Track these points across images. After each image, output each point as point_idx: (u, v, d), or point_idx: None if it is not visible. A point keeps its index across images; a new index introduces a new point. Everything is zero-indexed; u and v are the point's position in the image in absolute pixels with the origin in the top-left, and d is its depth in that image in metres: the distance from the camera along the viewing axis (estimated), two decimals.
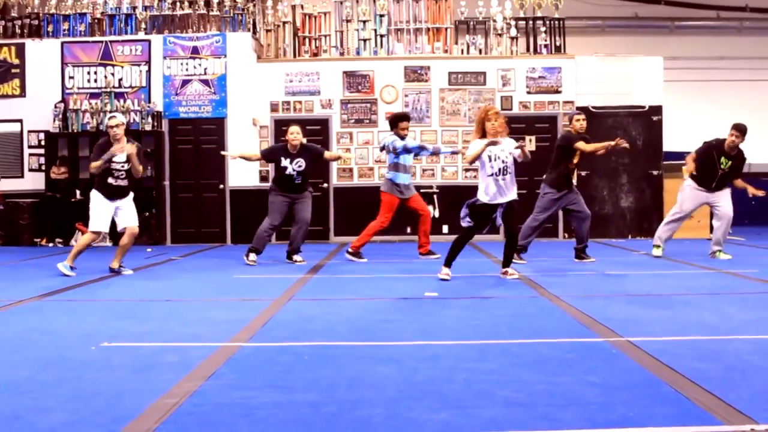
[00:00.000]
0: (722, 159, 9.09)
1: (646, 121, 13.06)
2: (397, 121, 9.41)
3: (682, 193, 9.41)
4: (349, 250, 9.50)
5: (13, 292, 6.78)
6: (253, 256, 9.18)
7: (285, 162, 8.94)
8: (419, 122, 12.94)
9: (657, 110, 13.08)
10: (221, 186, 12.85)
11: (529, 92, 13.01)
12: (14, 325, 5.30)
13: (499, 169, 7.13)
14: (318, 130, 13.02)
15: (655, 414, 3.04)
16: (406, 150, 9.26)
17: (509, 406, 3.18)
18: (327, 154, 9.48)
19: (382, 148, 9.54)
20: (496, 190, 7.14)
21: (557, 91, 13.00)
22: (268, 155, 9.25)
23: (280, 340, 4.62)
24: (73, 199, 12.44)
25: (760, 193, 9.20)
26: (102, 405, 3.26)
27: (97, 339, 4.63)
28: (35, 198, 12.68)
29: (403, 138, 9.31)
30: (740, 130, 9.01)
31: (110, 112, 8.19)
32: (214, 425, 2.97)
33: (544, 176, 9.16)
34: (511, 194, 7.23)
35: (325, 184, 13.04)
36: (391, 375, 3.72)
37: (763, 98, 17.25)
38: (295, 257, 9.25)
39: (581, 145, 8.77)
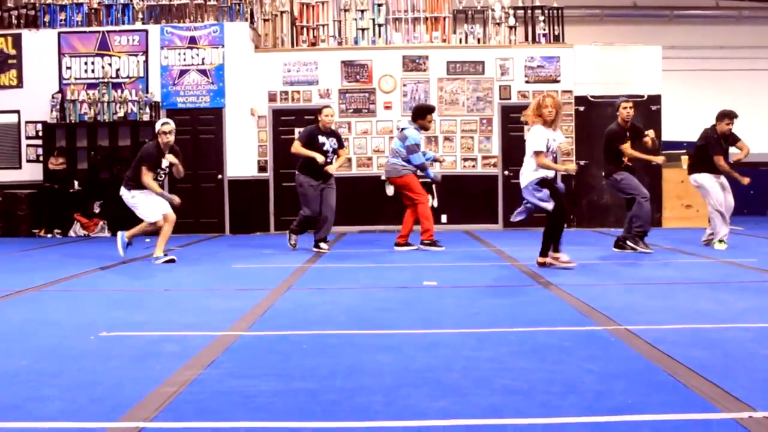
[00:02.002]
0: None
1: (645, 111, 13.02)
2: (425, 113, 9.44)
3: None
4: (424, 241, 9.39)
5: (12, 283, 6.77)
6: (293, 239, 9.41)
7: (323, 138, 9.13)
8: None
9: (656, 99, 13.06)
10: (219, 176, 12.83)
11: (527, 81, 12.98)
12: (13, 316, 5.30)
13: (553, 159, 7.46)
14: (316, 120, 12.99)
15: (653, 401, 3.05)
16: (414, 156, 9.28)
17: (508, 394, 3.19)
18: (342, 159, 9.37)
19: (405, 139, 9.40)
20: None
21: (556, 81, 12.97)
22: (306, 139, 9.17)
23: (279, 329, 4.62)
24: (71, 190, 12.42)
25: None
26: (101, 394, 3.26)
27: (96, 328, 4.64)
28: (33, 189, 12.65)
29: (427, 130, 9.62)
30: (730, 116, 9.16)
31: (168, 121, 8.55)
32: (213, 413, 2.98)
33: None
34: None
35: None
36: (389, 363, 3.72)
37: (762, 87, 17.23)
38: (322, 245, 9.28)
39: (625, 149, 8.68)
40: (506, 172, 12.90)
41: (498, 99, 12.97)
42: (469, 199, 12.89)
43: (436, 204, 12.69)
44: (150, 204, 8.38)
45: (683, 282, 6.50)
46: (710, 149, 9.13)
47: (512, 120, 12.86)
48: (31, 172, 12.88)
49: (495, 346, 4.07)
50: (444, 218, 12.78)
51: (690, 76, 16.65)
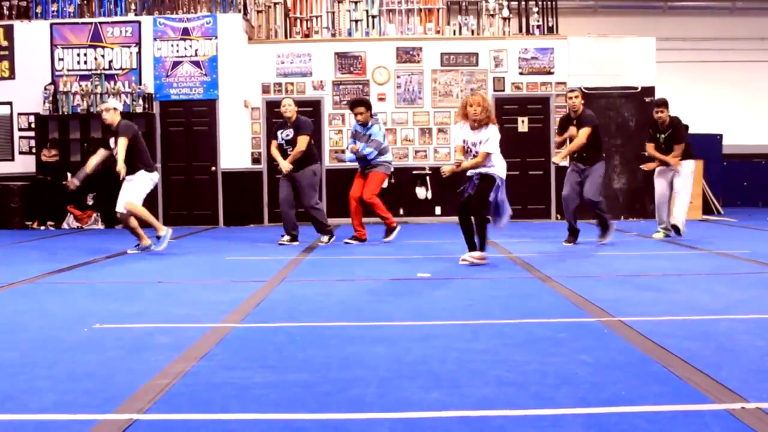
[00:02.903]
0: (659, 135, 9.27)
1: (639, 102, 13.04)
2: (351, 107, 9.47)
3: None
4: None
5: (5, 275, 6.75)
6: (285, 237, 9.22)
7: (278, 133, 9.13)
8: (411, 104, 12.91)
9: (649, 91, 13.05)
10: (213, 168, 12.80)
11: (521, 73, 12.96)
12: (6, 307, 5.29)
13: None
14: (310, 111, 12.96)
15: (646, 393, 3.06)
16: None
17: (501, 386, 3.19)
18: (297, 147, 9.01)
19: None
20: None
21: (550, 72, 12.97)
22: (274, 136, 9.25)
23: (273, 321, 4.62)
24: (64, 182, 12.35)
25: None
26: (94, 386, 3.26)
27: (90, 321, 4.63)
28: (26, 181, 12.61)
29: (363, 125, 9.26)
30: (663, 104, 9.19)
31: (107, 100, 8.62)
32: (207, 405, 2.97)
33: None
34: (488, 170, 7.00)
35: None
36: (383, 355, 3.73)
37: (755, 78, 17.25)
38: (321, 238, 9.25)
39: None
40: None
41: (492, 91, 12.95)
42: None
43: (430, 196, 12.70)
44: None
45: (676, 273, 6.51)
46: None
47: (506, 112, 12.87)
48: (23, 164, 12.83)
49: (489, 338, 4.07)
50: (438, 210, 12.78)
51: (684, 67, 16.66)
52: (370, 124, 9.24)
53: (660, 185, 9.41)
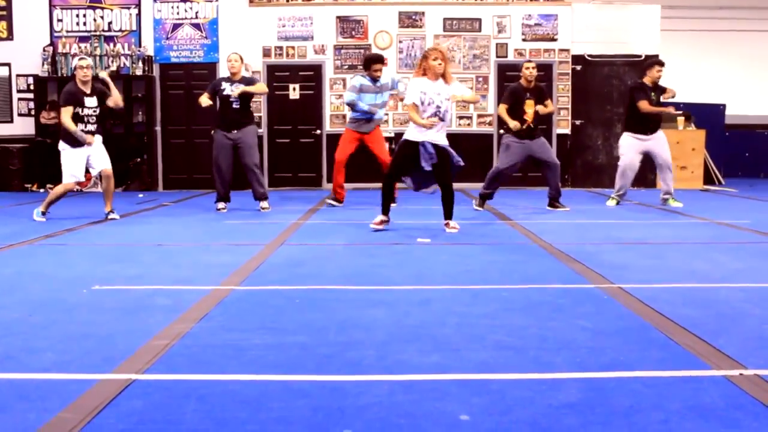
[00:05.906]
0: (651, 94, 9.30)
1: (642, 71, 12.93)
2: (369, 63, 9.37)
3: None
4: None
5: (4, 236, 6.75)
6: (220, 204, 9.10)
7: (225, 84, 8.82)
8: (413, 69, 12.79)
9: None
10: (213, 132, 12.71)
11: (524, 40, 12.86)
12: (5, 269, 5.28)
13: (433, 114, 6.83)
14: (311, 75, 12.89)
15: (645, 358, 3.06)
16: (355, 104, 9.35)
17: (500, 350, 3.19)
18: (255, 87, 8.93)
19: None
20: (423, 131, 6.85)
21: (553, 39, 12.86)
22: (211, 91, 8.95)
23: (272, 284, 4.62)
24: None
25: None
26: (93, 346, 3.26)
27: (89, 282, 4.63)
28: (25, 143, 12.56)
29: (375, 80, 9.36)
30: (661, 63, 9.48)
31: (85, 56, 8.30)
32: (206, 366, 2.98)
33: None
34: (440, 138, 6.93)
35: (318, 131, 12.95)
36: (382, 318, 3.73)
37: (760, 49, 17.09)
38: (261, 204, 9.09)
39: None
40: (501, 131, 12.83)
41: (494, 57, 12.86)
42: (464, 158, 12.77)
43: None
44: (69, 165, 8.07)
45: (677, 242, 6.51)
46: (635, 97, 9.25)
47: (508, 78, 12.76)
48: (22, 126, 12.77)
49: (488, 303, 4.07)
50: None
51: (689, 36, 16.49)
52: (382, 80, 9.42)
53: (633, 155, 9.35)
